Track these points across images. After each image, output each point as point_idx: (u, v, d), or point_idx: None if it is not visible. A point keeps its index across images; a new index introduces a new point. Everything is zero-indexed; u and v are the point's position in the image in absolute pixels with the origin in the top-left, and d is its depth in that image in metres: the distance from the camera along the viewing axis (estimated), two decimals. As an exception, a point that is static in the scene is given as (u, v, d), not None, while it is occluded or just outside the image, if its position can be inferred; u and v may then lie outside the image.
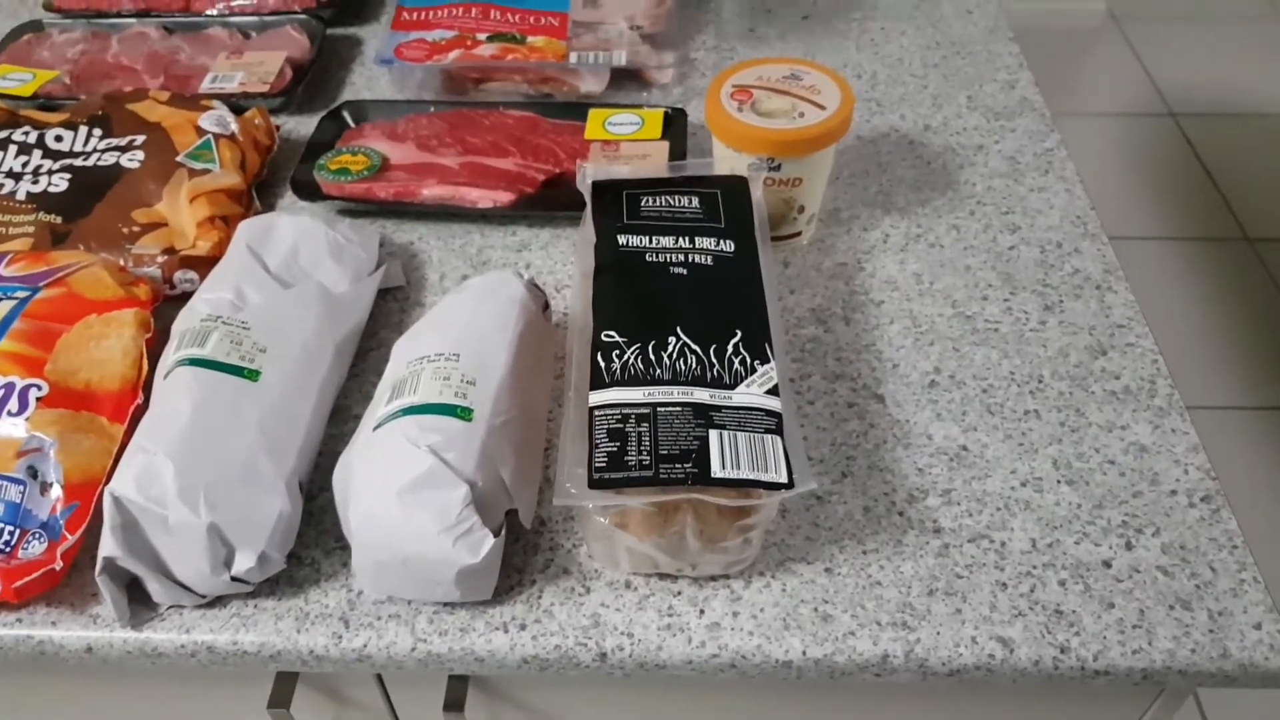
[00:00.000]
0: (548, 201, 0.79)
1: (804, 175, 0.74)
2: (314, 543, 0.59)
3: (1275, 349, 1.88)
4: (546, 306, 0.65)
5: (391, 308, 0.73)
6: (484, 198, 0.78)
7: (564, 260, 0.76)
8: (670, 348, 0.56)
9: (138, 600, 0.56)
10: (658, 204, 0.65)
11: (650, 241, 0.62)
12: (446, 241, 0.78)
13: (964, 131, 0.87)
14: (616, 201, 0.65)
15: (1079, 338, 0.70)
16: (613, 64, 0.90)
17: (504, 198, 0.78)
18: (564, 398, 0.56)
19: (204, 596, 0.56)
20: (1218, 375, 1.84)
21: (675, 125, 0.85)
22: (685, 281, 0.60)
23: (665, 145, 0.82)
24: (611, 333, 0.57)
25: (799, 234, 0.77)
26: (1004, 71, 0.94)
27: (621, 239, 0.62)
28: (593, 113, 0.85)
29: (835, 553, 0.58)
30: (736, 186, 0.67)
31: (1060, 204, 0.80)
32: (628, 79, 0.92)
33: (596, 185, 0.68)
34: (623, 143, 0.82)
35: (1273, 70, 2.55)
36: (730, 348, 0.56)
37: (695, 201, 0.65)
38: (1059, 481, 0.61)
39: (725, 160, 0.74)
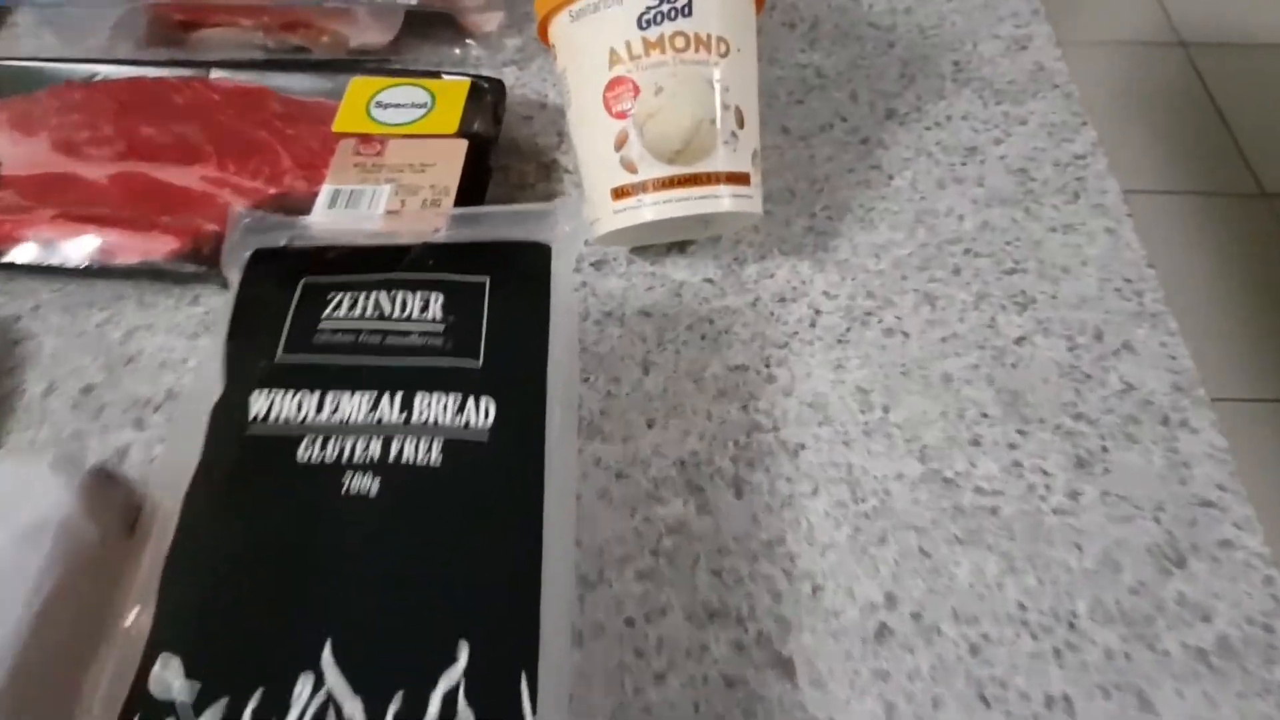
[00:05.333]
0: (256, 245, 0.47)
1: (731, 36, 0.45)
2: None
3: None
4: (137, 515, 0.34)
5: (-62, 454, 0.41)
6: (127, 247, 0.45)
7: (273, 352, 0.45)
8: (297, 709, 0.25)
9: None
10: (361, 310, 0.33)
11: (317, 409, 0.31)
12: (76, 316, 0.46)
13: (947, 123, 0.56)
14: (279, 303, 0.34)
15: (1137, 529, 0.40)
16: (405, 1, 0.57)
17: (164, 247, 0.45)
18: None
19: None
20: (1243, 363, 1.56)
21: (482, 107, 0.53)
22: (370, 518, 0.29)
23: (462, 146, 0.50)
24: (174, 661, 0.26)
25: (746, 177, 0.45)
26: (1010, 21, 0.62)
27: (256, 404, 0.31)
28: (355, 84, 0.53)
29: None
30: (528, 264, 0.36)
31: (1099, 257, 0.49)
32: (437, 23, 0.59)
33: (258, 258, 0.36)
34: (392, 140, 0.50)
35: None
36: (438, 702, 0.26)
37: (439, 305, 0.34)
38: None
39: (588, 45, 0.45)
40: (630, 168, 0.44)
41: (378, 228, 0.42)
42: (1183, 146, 1.90)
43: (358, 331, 0.33)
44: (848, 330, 0.46)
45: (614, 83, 0.44)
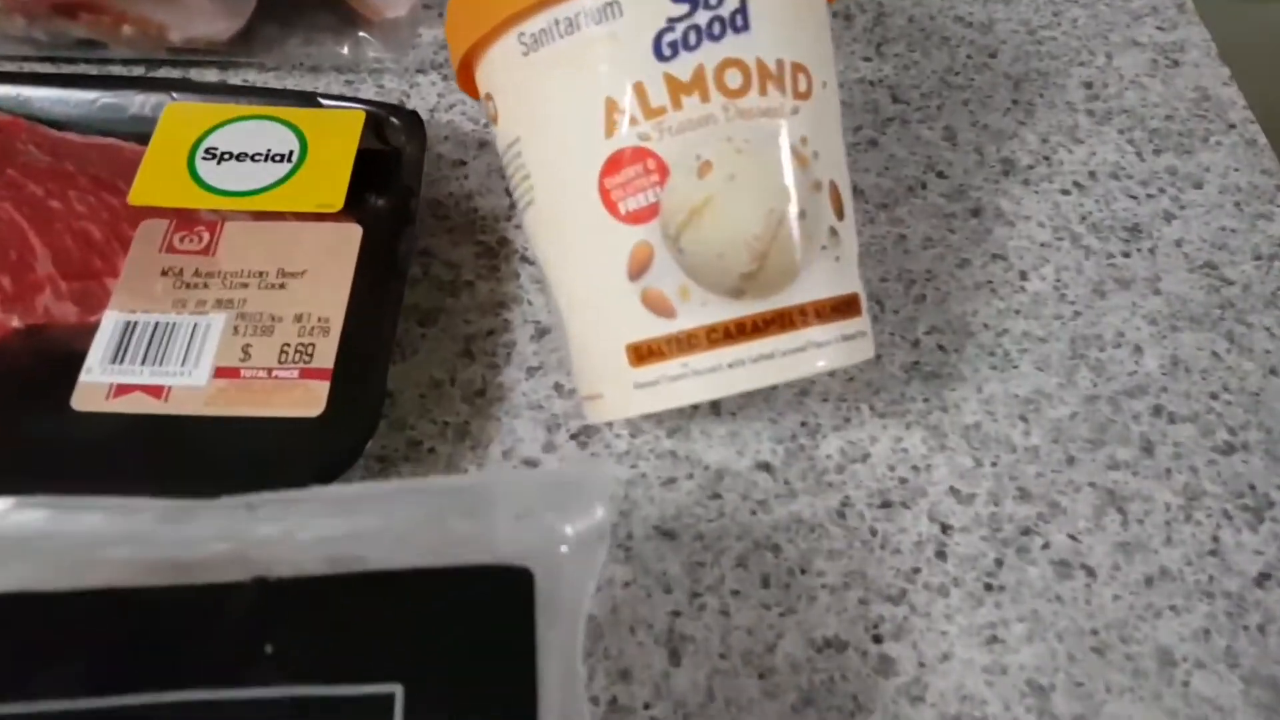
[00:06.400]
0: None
1: (811, 60, 0.25)
2: None
3: None
4: None
5: None
6: None
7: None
8: None
9: None
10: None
11: None
12: None
13: (1091, 183, 0.37)
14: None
15: None
16: (254, -31, 0.36)
17: None
18: None
19: None
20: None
21: (386, 156, 0.32)
22: None
23: (354, 236, 0.30)
24: None
25: (855, 302, 0.26)
26: (1150, 20, 0.44)
27: None
28: (170, 114, 0.32)
29: None
30: (487, 633, 0.17)
31: (1356, 420, 0.32)
32: (311, 6, 0.38)
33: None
34: (231, 222, 0.30)
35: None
36: None
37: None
38: None
39: (563, 95, 0.25)
40: (662, 308, 0.25)
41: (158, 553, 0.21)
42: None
43: None
44: (998, 564, 0.28)
45: (618, 159, 0.24)
